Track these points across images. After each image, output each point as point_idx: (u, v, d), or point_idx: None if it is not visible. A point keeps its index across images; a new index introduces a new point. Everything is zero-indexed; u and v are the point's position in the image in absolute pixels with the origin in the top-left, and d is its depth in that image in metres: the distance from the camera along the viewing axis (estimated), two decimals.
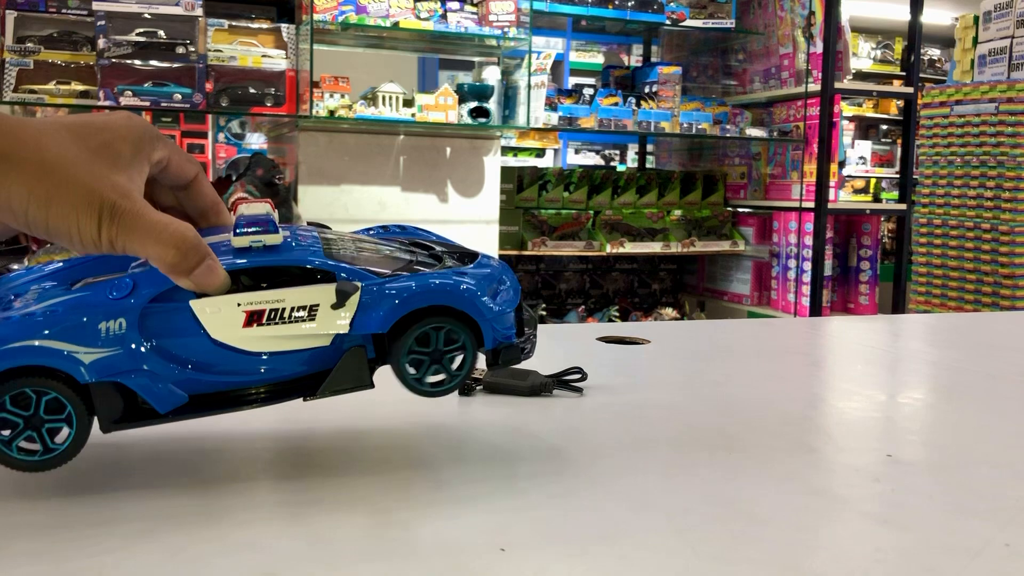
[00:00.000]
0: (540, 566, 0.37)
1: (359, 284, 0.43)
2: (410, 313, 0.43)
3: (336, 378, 0.44)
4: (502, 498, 0.44)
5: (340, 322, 0.43)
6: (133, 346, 0.41)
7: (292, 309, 0.42)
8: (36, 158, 0.40)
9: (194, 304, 0.42)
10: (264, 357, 0.43)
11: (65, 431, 0.41)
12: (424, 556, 0.37)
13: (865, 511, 0.44)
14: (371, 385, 0.45)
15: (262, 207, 0.44)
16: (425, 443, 0.54)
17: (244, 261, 0.43)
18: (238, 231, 0.43)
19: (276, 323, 0.42)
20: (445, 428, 0.57)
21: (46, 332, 0.40)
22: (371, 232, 0.53)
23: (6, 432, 0.40)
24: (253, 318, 0.42)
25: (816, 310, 3.20)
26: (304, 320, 0.42)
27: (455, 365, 0.45)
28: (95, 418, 0.42)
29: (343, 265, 0.44)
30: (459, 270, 0.46)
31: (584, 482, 0.47)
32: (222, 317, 0.42)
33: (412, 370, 0.44)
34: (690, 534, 0.40)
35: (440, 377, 0.45)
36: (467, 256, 0.50)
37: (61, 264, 0.46)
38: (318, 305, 0.42)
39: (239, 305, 0.42)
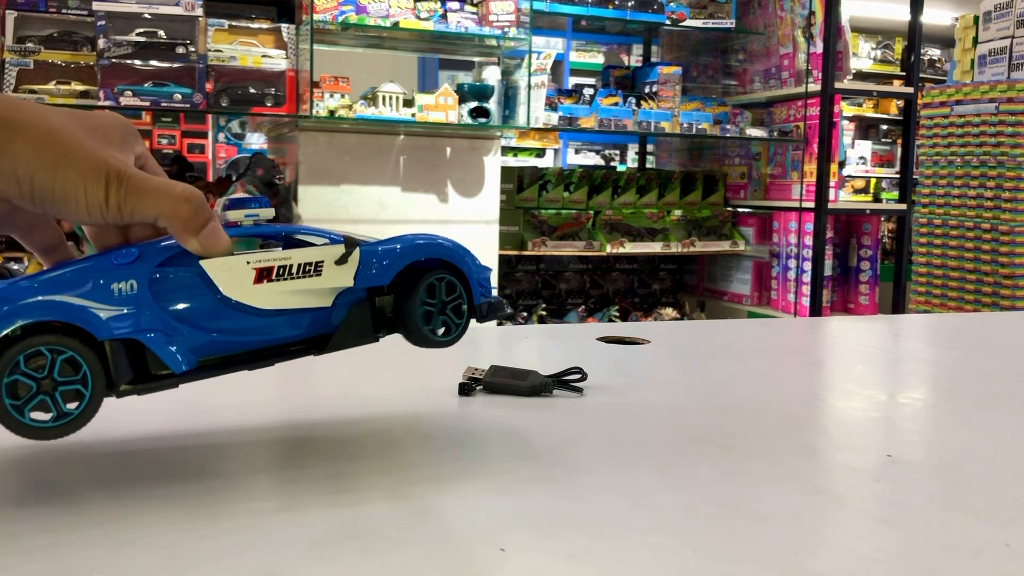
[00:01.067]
0: (540, 566, 0.37)
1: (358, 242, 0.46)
2: (405, 269, 0.47)
3: (343, 332, 0.47)
4: (502, 498, 0.44)
5: (344, 276, 0.46)
6: (145, 306, 0.42)
7: (299, 265, 0.45)
8: (43, 125, 0.41)
9: (205, 263, 0.43)
10: (273, 315, 0.45)
11: (78, 396, 0.40)
12: (424, 556, 0.37)
13: (865, 511, 0.44)
14: (376, 339, 0.48)
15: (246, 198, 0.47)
16: (425, 443, 0.54)
17: (244, 230, 0.45)
18: (228, 209, 0.45)
19: (285, 279, 0.45)
20: (445, 428, 0.57)
21: (62, 289, 0.40)
22: None
23: (18, 399, 0.39)
24: (263, 275, 0.44)
25: (816, 310, 3.20)
26: (311, 275, 0.45)
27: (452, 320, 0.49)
28: (108, 384, 0.41)
29: (334, 234, 0.47)
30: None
31: (584, 482, 0.47)
32: (233, 274, 0.44)
33: (425, 323, 0.48)
34: (690, 534, 0.40)
35: (445, 329, 0.49)
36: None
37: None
38: (323, 262, 0.45)
39: (248, 263, 0.44)
